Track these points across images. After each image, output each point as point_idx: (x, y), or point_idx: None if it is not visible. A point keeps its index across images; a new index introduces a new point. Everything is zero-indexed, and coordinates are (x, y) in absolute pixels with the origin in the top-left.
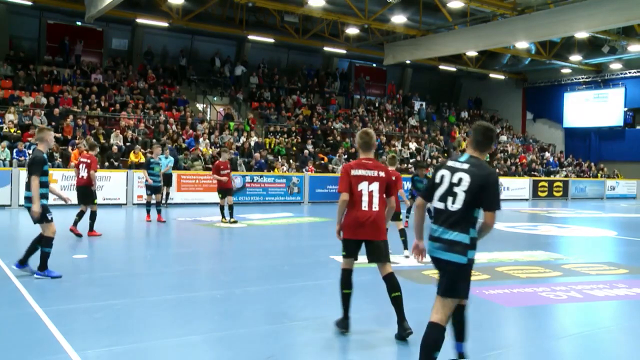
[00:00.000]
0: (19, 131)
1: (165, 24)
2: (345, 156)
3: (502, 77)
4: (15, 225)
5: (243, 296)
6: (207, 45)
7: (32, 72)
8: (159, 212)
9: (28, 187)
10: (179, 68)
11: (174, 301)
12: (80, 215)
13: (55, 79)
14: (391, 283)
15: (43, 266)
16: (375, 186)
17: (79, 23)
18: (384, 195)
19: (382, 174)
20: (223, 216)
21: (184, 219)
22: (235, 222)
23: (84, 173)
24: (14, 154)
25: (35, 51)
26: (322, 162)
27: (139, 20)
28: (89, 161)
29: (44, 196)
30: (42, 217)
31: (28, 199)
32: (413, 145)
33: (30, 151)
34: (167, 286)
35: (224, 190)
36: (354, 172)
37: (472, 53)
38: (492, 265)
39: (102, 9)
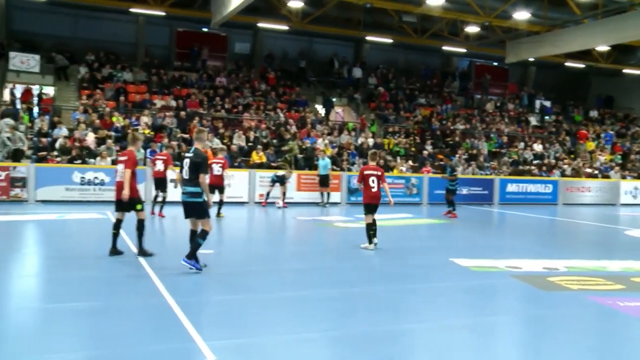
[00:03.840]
0: (152, 132)
1: (285, 27)
2: (466, 156)
3: (638, 72)
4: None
5: (359, 296)
6: (326, 47)
7: (164, 77)
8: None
9: (192, 183)
10: (298, 70)
11: (291, 298)
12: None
13: (184, 82)
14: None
15: (192, 255)
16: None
17: (204, 29)
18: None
19: None
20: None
21: (303, 218)
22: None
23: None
24: (148, 153)
25: (166, 57)
26: (442, 163)
27: (260, 25)
28: (164, 158)
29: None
30: (207, 212)
31: (193, 194)
32: (539, 147)
33: (190, 151)
34: (284, 283)
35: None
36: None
37: (602, 48)
38: (626, 274)
39: (227, 14)
